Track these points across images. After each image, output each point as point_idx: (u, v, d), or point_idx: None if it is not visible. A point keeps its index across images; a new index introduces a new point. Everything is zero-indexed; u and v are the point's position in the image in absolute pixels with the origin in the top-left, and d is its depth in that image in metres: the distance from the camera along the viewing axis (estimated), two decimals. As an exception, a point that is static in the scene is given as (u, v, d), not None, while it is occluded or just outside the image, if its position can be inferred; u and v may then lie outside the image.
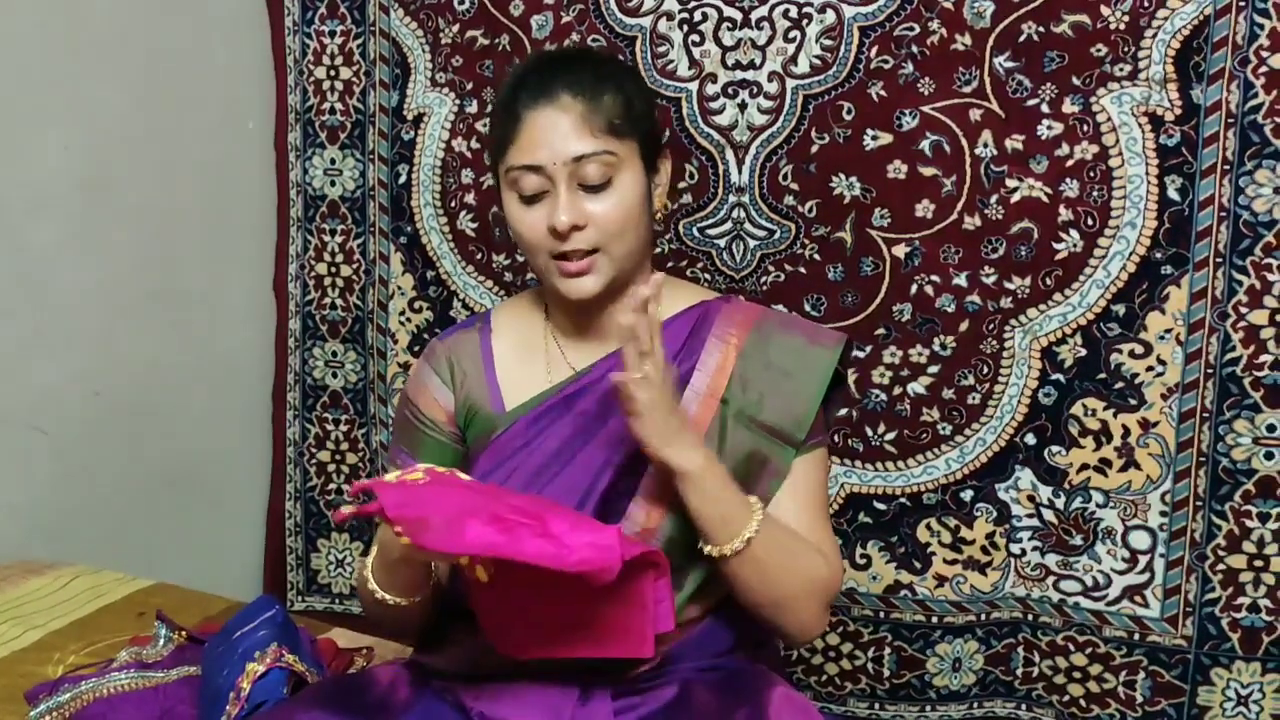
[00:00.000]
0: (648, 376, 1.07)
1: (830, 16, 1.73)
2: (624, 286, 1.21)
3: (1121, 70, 1.62)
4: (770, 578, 1.14)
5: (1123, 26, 1.60)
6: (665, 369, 1.10)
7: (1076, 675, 1.76)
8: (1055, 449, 1.72)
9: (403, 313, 2.10)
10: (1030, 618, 1.77)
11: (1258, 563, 1.64)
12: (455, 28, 1.97)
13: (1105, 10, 1.61)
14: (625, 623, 1.05)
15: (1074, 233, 1.67)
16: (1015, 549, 1.76)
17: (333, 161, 2.11)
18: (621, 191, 1.16)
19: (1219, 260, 1.60)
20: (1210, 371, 1.63)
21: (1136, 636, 1.71)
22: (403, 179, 2.05)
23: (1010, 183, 1.68)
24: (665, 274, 1.30)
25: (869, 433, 1.80)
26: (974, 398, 1.75)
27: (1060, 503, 1.73)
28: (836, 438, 1.81)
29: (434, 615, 1.22)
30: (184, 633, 1.44)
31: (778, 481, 1.20)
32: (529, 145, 1.15)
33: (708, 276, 1.84)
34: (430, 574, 1.16)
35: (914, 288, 1.74)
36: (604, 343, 1.24)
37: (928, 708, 1.84)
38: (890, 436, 1.79)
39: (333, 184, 2.11)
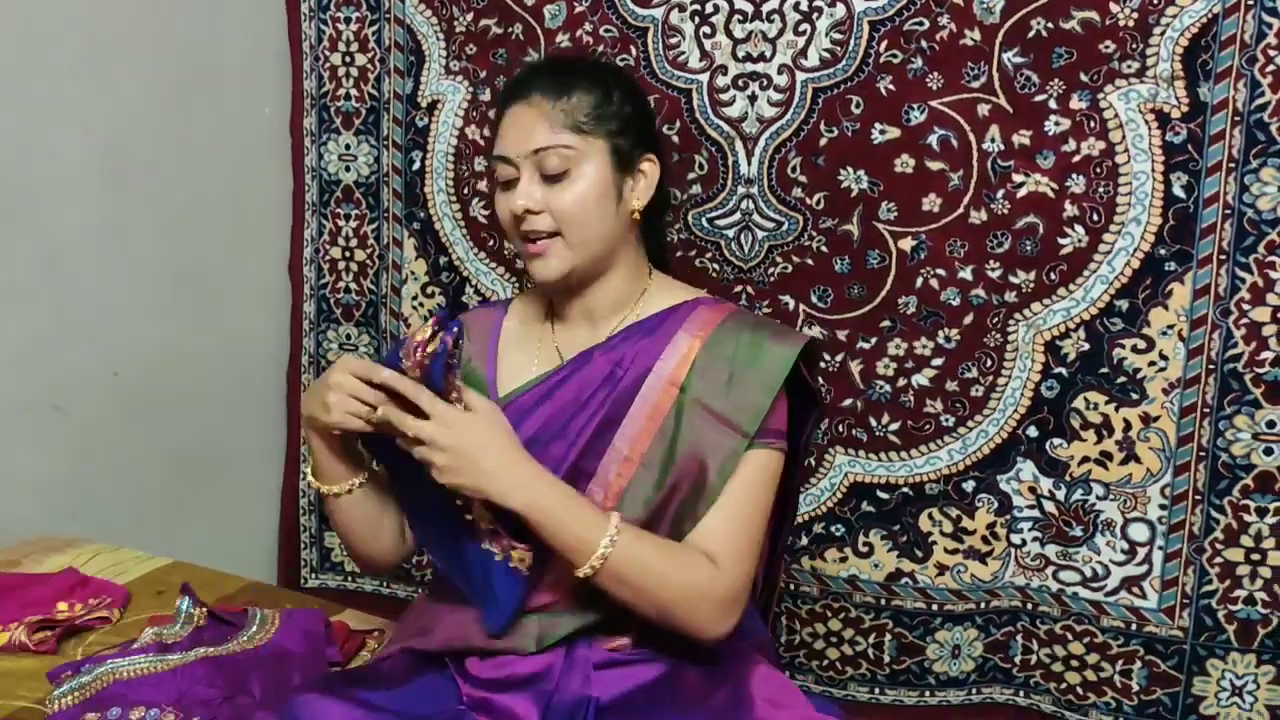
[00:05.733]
0: (432, 442, 1.10)
1: (840, 10, 1.73)
2: (597, 276, 1.28)
3: (1129, 67, 1.62)
4: (640, 590, 1.15)
5: (1131, 24, 1.61)
6: (470, 418, 1.12)
7: (1074, 663, 1.78)
8: (1057, 441, 1.74)
9: (415, 297, 2.12)
10: (1029, 607, 1.80)
11: (1255, 556, 1.66)
12: (469, 16, 1.98)
13: (1114, 7, 1.61)
14: None
15: (1079, 228, 1.68)
16: (1016, 539, 1.79)
17: (347, 147, 2.13)
18: (579, 183, 1.23)
19: (1223, 257, 1.62)
20: (1212, 367, 1.64)
21: (1134, 627, 1.74)
22: (416, 165, 2.08)
23: (1017, 178, 1.69)
24: (662, 274, 1.34)
25: (873, 423, 1.82)
26: (977, 390, 1.76)
27: (1061, 494, 1.75)
28: (840, 428, 1.83)
29: (394, 519, 1.30)
30: (206, 609, 1.48)
31: (723, 473, 1.20)
32: (503, 138, 1.26)
33: (716, 267, 1.86)
34: (361, 462, 1.25)
35: (920, 281, 1.76)
36: (591, 330, 1.30)
37: (927, 693, 1.87)
38: (894, 427, 1.81)
39: (347, 169, 2.14)
